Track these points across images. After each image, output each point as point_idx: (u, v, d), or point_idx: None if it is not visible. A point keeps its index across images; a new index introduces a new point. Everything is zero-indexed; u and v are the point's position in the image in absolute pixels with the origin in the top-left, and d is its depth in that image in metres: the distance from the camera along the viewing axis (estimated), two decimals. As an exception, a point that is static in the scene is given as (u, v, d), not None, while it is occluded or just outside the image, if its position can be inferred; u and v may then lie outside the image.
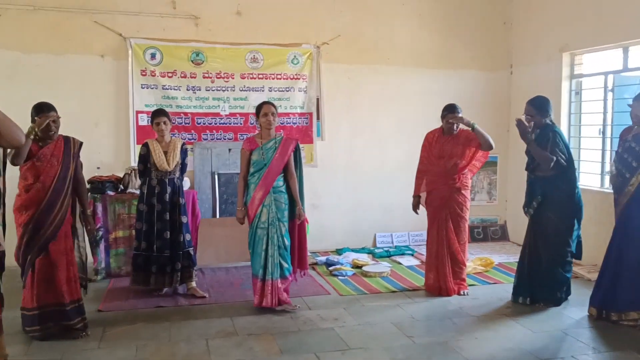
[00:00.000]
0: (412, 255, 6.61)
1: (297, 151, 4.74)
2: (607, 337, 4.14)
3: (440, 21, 7.15)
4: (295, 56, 6.67)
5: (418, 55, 7.11)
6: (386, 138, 7.07)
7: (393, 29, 7.00)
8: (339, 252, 6.70)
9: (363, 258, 6.33)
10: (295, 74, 6.68)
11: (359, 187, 7.02)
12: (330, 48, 6.77)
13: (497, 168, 7.44)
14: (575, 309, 4.70)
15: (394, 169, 6.95)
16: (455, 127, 5.06)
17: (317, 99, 6.79)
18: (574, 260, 4.87)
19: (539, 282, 4.78)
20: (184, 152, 5.05)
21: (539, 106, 4.76)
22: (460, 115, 5.02)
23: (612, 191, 4.58)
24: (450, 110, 5.06)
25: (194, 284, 5.13)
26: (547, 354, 3.85)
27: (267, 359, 3.79)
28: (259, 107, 4.67)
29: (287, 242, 4.66)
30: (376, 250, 6.76)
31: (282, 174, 4.65)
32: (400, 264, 6.26)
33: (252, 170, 4.63)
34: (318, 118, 6.83)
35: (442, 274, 5.10)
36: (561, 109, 6.45)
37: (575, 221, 4.71)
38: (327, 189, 6.85)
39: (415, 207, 5.32)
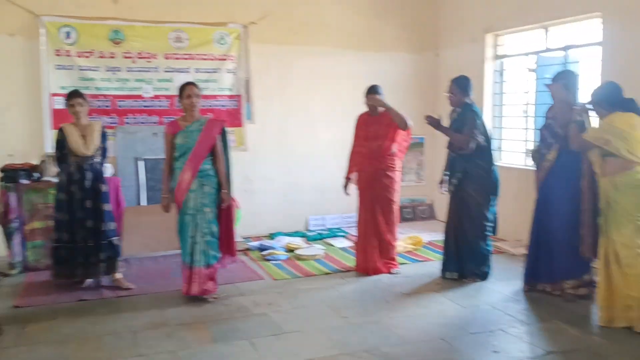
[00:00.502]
0: (345, 237, 6.62)
1: (223, 134, 4.58)
2: (533, 310, 4.29)
3: (369, 2, 7.13)
4: (222, 36, 6.46)
5: (348, 37, 7.06)
6: (318, 120, 7.01)
7: (323, 10, 6.91)
8: (272, 236, 6.61)
9: (296, 242, 6.27)
10: (223, 55, 6.47)
11: (291, 171, 6.93)
12: (258, 28, 6.60)
13: (424, 149, 7.56)
14: (503, 283, 4.85)
15: (327, 151, 6.91)
16: (377, 107, 5.07)
17: (247, 81, 6.62)
18: (493, 235, 5.07)
19: (465, 257, 4.93)
20: (103, 136, 4.78)
21: (462, 85, 4.90)
22: (378, 96, 5.03)
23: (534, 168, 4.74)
24: (369, 92, 5.10)
25: (119, 275, 4.88)
26: (477, 327, 3.95)
27: (199, 348, 3.66)
28: (182, 89, 4.48)
29: (215, 229, 4.50)
30: (309, 234, 6.73)
31: (210, 158, 4.48)
32: (333, 246, 6.26)
33: (176, 154, 4.44)
34: (248, 100, 6.66)
35: (370, 254, 5.15)
36: (484, 90, 6.61)
37: (492, 197, 4.90)
38: (259, 173, 6.72)
39: (345, 187, 5.33)
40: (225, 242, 4.62)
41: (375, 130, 5.10)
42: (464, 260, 4.94)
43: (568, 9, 5.50)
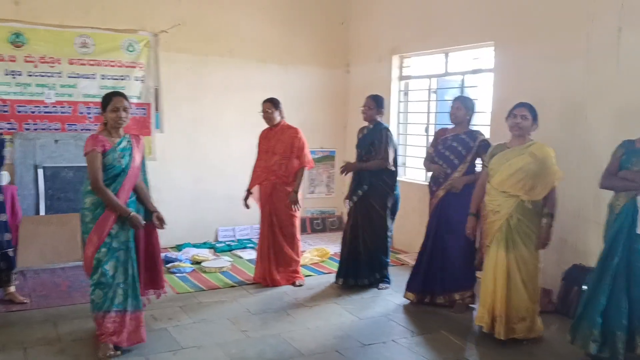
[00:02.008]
0: (254, 248, 6.66)
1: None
2: (422, 320, 4.53)
3: (282, 16, 7.25)
4: (130, 43, 6.35)
5: (261, 49, 7.15)
6: (230, 131, 7.03)
7: (236, 21, 6.96)
8: (179, 248, 6.55)
9: (204, 253, 6.25)
10: (132, 62, 6.36)
11: (201, 181, 6.91)
12: (170, 37, 6.54)
13: (335, 162, 7.76)
14: (399, 294, 5.08)
15: (238, 162, 6.92)
16: (271, 118, 5.22)
17: (156, 89, 6.54)
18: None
19: (361, 266, 5.19)
20: (0, 143, 4.58)
21: (378, 102, 5.18)
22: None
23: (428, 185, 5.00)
24: (264, 102, 5.28)
25: (12, 288, 4.68)
26: (371, 339, 4.13)
27: (92, 365, 3.60)
28: (108, 99, 3.76)
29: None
30: (218, 245, 6.72)
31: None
32: (241, 257, 6.29)
33: (103, 177, 3.68)
34: (157, 109, 6.58)
35: (267, 266, 5.28)
36: (391, 108, 6.90)
37: (394, 212, 5.25)
38: (167, 182, 6.63)
39: (245, 201, 5.44)
40: (149, 274, 4.05)
41: (273, 145, 5.23)
42: (359, 268, 5.20)
43: (465, 37, 5.88)
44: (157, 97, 6.55)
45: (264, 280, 5.28)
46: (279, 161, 5.20)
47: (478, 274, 4.80)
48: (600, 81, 4.57)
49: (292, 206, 5.23)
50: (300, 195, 5.31)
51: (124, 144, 3.81)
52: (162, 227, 4.03)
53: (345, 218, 7.67)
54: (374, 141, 5.10)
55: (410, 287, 4.91)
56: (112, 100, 3.75)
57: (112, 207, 3.64)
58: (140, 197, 3.93)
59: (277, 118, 5.24)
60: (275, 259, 5.28)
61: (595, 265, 3.80)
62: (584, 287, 4.18)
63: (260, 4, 7.10)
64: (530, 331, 4.08)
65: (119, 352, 3.71)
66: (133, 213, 3.72)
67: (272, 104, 5.22)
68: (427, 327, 4.39)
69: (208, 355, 3.79)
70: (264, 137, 5.35)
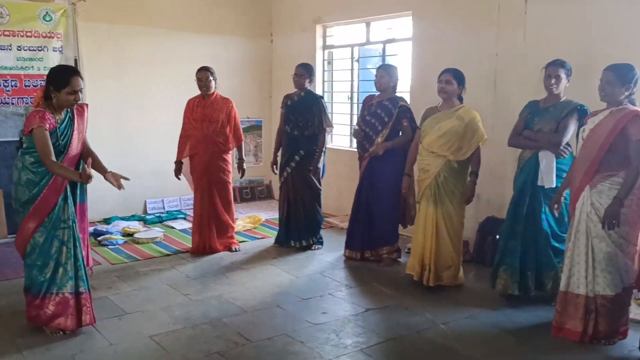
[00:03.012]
0: (185, 218, 6.73)
1: None
2: (356, 275, 4.86)
3: (203, -14, 7.21)
4: (47, 12, 6.09)
5: (184, 18, 7.07)
6: (156, 102, 6.95)
7: (156, -10, 6.85)
8: (107, 221, 6.49)
9: (134, 225, 6.24)
10: (49, 32, 6.11)
11: (127, 154, 6.80)
12: (88, 5, 6.32)
13: (262, 131, 7.89)
14: (331, 253, 5.38)
15: (165, 133, 6.85)
16: (209, 86, 5.25)
17: (75, 60, 6.33)
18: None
19: (299, 228, 5.45)
20: None
21: (310, 70, 5.39)
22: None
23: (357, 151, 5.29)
24: (198, 70, 5.29)
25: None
26: (309, 293, 4.39)
27: (41, 336, 3.61)
28: (65, 79, 3.46)
29: None
30: (147, 217, 6.71)
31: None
32: (173, 228, 6.34)
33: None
34: (78, 81, 6.39)
35: (207, 235, 5.36)
36: (316, 77, 7.09)
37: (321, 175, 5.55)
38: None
39: (177, 173, 5.46)
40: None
41: (210, 114, 5.26)
42: (298, 230, 5.46)
43: (385, 7, 6.15)
44: (78, 69, 6.36)
45: (203, 249, 5.37)
46: (217, 129, 5.26)
47: (402, 230, 5.20)
48: (509, 49, 4.99)
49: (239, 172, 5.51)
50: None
51: (65, 121, 3.61)
52: (121, 186, 3.89)
53: (274, 187, 7.90)
54: (311, 109, 5.31)
55: (347, 244, 5.24)
56: (70, 82, 3.45)
57: (66, 178, 3.52)
58: (95, 165, 3.81)
59: (213, 87, 5.29)
60: (216, 226, 5.38)
61: (506, 215, 4.26)
62: (498, 237, 4.67)
63: (182, -28, 7.02)
64: (455, 279, 4.49)
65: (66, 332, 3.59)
66: (81, 171, 3.51)
67: (209, 72, 5.25)
68: (360, 280, 4.71)
69: (153, 319, 3.90)
70: (197, 106, 5.33)
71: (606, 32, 4.29)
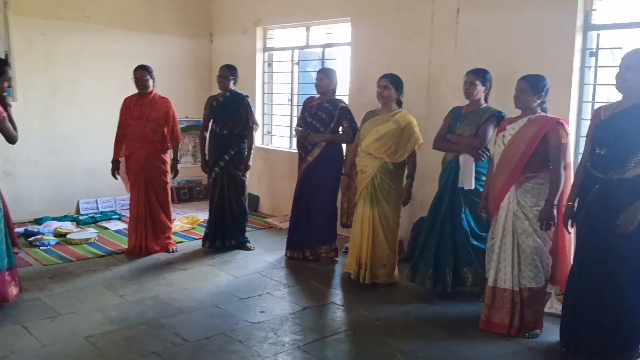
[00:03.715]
0: (120, 219, 6.60)
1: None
2: (294, 274, 4.93)
3: (141, -17, 7.10)
4: (-25, 5, 5.86)
5: (121, 16, 6.95)
6: (89, 100, 6.79)
7: (92, -15, 6.70)
8: (38, 221, 6.28)
9: (67, 226, 6.07)
10: (-24, 25, 5.88)
11: (59, 152, 6.62)
12: (20, 0, 6.13)
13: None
14: (270, 254, 5.44)
15: (98, 132, 6.73)
16: (147, 85, 5.20)
17: (6, 55, 6.10)
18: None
19: (228, 227, 5.47)
20: None
21: (234, 71, 5.43)
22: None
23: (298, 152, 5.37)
24: (137, 68, 5.23)
25: None
26: (247, 293, 4.43)
27: (-38, 339, 3.48)
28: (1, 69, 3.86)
29: None
30: (80, 217, 6.54)
31: None
32: (107, 229, 6.21)
33: None
34: (8, 76, 6.15)
35: (143, 235, 5.30)
36: (256, 79, 7.14)
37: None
38: (22, 154, 6.25)
39: (115, 172, 5.37)
40: None
41: (148, 113, 5.20)
42: (226, 231, 5.48)
43: (324, 12, 6.27)
44: (9, 64, 6.11)
45: (139, 249, 5.30)
46: (154, 128, 5.21)
47: (340, 230, 5.32)
48: (442, 57, 5.21)
49: (170, 173, 5.42)
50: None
51: None
52: None
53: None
54: (239, 108, 5.35)
55: (288, 245, 5.32)
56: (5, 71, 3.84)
57: None
58: None
59: (151, 85, 5.23)
60: (152, 227, 5.32)
61: (427, 213, 4.48)
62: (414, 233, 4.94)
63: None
64: (390, 277, 4.65)
65: None
66: None
67: (147, 71, 5.19)
68: (298, 279, 4.79)
69: (88, 320, 3.83)
70: (134, 104, 5.24)
71: (529, 44, 4.55)
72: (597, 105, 3.91)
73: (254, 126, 5.45)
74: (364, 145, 4.56)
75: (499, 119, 4.13)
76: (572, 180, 3.60)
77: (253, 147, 5.52)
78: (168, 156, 5.43)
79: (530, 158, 3.62)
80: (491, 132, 4.16)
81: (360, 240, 4.57)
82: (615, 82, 3.25)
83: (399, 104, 4.65)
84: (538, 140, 3.59)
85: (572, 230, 3.56)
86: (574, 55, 4.33)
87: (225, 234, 5.51)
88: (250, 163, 5.49)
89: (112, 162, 5.35)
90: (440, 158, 4.59)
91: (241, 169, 5.43)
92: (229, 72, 5.39)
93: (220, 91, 5.48)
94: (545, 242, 3.69)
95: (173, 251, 5.43)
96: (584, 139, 3.65)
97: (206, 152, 5.60)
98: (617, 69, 3.23)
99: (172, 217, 5.68)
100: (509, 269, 3.70)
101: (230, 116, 5.37)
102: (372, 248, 4.53)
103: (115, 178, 5.41)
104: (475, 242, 4.23)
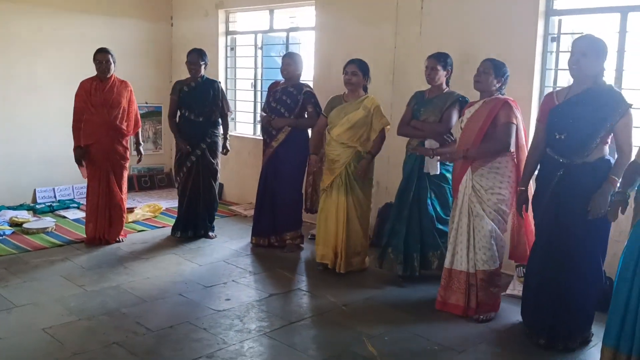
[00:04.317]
0: (78, 208, 6.41)
1: None
2: (260, 261, 4.88)
3: (98, -37, 6.86)
4: None
5: (76, -1, 6.72)
6: (44, 86, 6.54)
7: (45, -35, 6.42)
8: (-8, 211, 6.05)
9: (23, 215, 5.87)
10: None
11: (13, 140, 6.37)
12: (-34, -21, 5.86)
13: (162, 118, 7.66)
14: (235, 241, 5.36)
15: (54, 119, 6.50)
16: (109, 69, 5.01)
17: (-48, 37, 5.83)
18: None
19: (200, 217, 5.35)
20: None
21: (204, 55, 5.24)
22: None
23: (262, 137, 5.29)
24: (98, 51, 5.03)
25: None
26: (212, 281, 4.36)
27: None
28: None
29: None
30: (37, 206, 6.32)
31: None
32: (65, 217, 6.02)
33: None
34: (-45, 60, 5.88)
35: (102, 224, 5.12)
36: (219, 63, 7.00)
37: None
38: (-27, 142, 6.02)
39: (81, 158, 5.07)
40: None
41: (110, 98, 5.02)
42: (198, 220, 5.36)
43: (288, -5, 6.18)
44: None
45: (99, 239, 5.13)
46: (119, 115, 5.03)
47: (305, 217, 5.29)
48: (407, 43, 5.19)
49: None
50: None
51: None
52: None
53: (173, 174, 7.71)
54: (212, 94, 5.20)
55: (253, 231, 5.25)
56: None
57: None
58: None
59: (112, 69, 5.04)
60: (113, 217, 5.15)
61: (394, 200, 4.47)
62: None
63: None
64: (362, 263, 4.66)
65: None
66: None
67: (109, 54, 4.99)
68: (264, 266, 4.74)
69: (46, 311, 3.70)
70: (95, 90, 5.01)
71: (493, 29, 4.58)
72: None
73: (229, 112, 5.35)
74: (335, 134, 4.50)
75: (462, 104, 4.15)
76: (523, 164, 3.64)
77: (228, 133, 5.41)
78: (128, 142, 5.27)
79: (484, 140, 3.65)
80: (455, 116, 4.17)
81: (336, 229, 4.52)
82: (569, 69, 3.27)
83: (365, 89, 4.61)
84: (489, 121, 3.64)
85: (530, 214, 3.60)
86: (536, 41, 4.38)
87: (198, 224, 5.38)
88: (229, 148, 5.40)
89: (76, 149, 5.06)
90: (404, 144, 4.59)
91: (217, 155, 5.31)
92: (199, 57, 5.19)
93: (189, 76, 5.27)
94: (500, 225, 3.72)
95: (122, 241, 5.27)
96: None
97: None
98: (570, 55, 3.24)
99: (132, 206, 5.54)
100: (465, 251, 3.75)
101: (205, 103, 5.19)
102: (346, 236, 4.49)
103: (82, 165, 5.11)
104: (440, 226, 4.26)
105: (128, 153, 5.23)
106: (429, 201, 4.26)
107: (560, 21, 4.43)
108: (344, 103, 4.56)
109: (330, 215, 4.55)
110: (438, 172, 4.20)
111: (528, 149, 3.67)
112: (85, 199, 5.42)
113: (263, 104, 5.41)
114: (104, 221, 5.13)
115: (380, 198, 5.46)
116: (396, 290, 4.26)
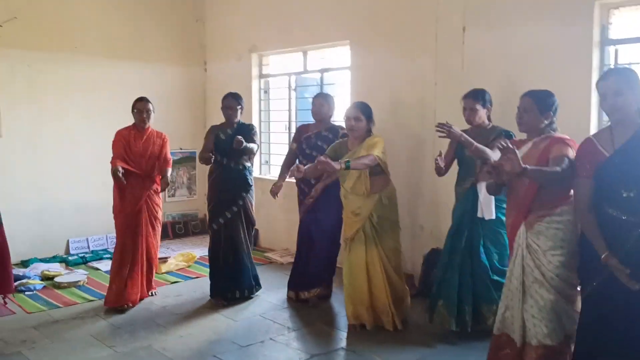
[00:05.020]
0: (111, 258, 6.23)
1: None
2: (299, 315, 4.56)
3: (132, 11, 6.86)
4: (-44, 37, 5.60)
5: (110, 45, 6.69)
6: (77, 133, 6.48)
7: (80, 14, 6.44)
8: (25, 264, 5.91)
9: (55, 268, 5.71)
10: (-43, 58, 5.62)
11: (46, 190, 6.29)
12: (4, 31, 5.87)
13: (196, 163, 7.52)
14: (271, 293, 5.06)
15: (87, 166, 6.43)
16: (149, 118, 4.81)
17: (-11, 89, 5.84)
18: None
19: (233, 276, 4.86)
20: None
21: (240, 99, 4.95)
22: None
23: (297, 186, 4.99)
24: (139, 100, 4.81)
25: None
26: (248, 339, 4.05)
27: None
28: None
29: None
30: (70, 258, 6.17)
31: None
32: (98, 269, 5.85)
33: None
34: (-9, 110, 5.87)
35: (137, 283, 4.75)
36: (252, 107, 6.86)
37: None
38: (6, 193, 5.90)
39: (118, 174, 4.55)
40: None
41: (150, 149, 4.78)
42: (232, 279, 4.86)
43: (322, 36, 6.01)
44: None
45: (127, 301, 4.67)
46: (154, 165, 4.80)
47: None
48: (448, 77, 4.93)
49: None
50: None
51: None
52: None
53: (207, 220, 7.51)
54: (249, 140, 4.77)
55: (289, 284, 4.92)
56: None
57: None
58: None
59: (152, 120, 4.84)
60: (147, 272, 4.88)
61: (444, 247, 4.13)
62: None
63: (105, -2, 6.68)
64: (408, 306, 4.31)
65: None
66: None
67: (150, 103, 4.80)
68: (303, 321, 4.42)
69: (72, 377, 3.47)
70: (134, 139, 4.77)
71: (542, 61, 4.28)
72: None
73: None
74: (349, 186, 4.16)
75: (507, 137, 3.79)
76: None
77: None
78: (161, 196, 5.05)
79: (539, 191, 3.01)
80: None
81: (369, 286, 4.15)
82: (606, 114, 2.80)
83: (369, 132, 4.23)
84: (543, 165, 2.97)
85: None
86: (591, 72, 4.06)
87: (241, 282, 4.86)
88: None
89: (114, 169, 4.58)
90: (450, 185, 4.28)
91: (253, 206, 4.97)
92: (235, 101, 4.87)
93: (224, 121, 4.95)
94: (566, 292, 3.00)
95: (155, 294, 5.02)
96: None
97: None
98: (601, 100, 2.77)
99: (165, 255, 5.30)
100: (518, 318, 3.07)
101: (244, 150, 4.76)
102: (391, 290, 4.14)
103: (120, 179, 4.60)
104: (496, 278, 3.86)
105: (161, 203, 5.02)
106: (482, 249, 3.90)
107: (616, 51, 4.10)
108: (348, 151, 4.19)
109: (359, 273, 4.16)
110: (493, 217, 3.84)
111: (577, 209, 2.89)
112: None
113: (289, 148, 5.09)
114: (140, 278, 4.78)
115: (426, 243, 5.13)
116: (450, 349, 3.87)
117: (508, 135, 3.84)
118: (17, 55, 6.01)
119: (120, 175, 4.55)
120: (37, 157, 6.24)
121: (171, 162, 5.02)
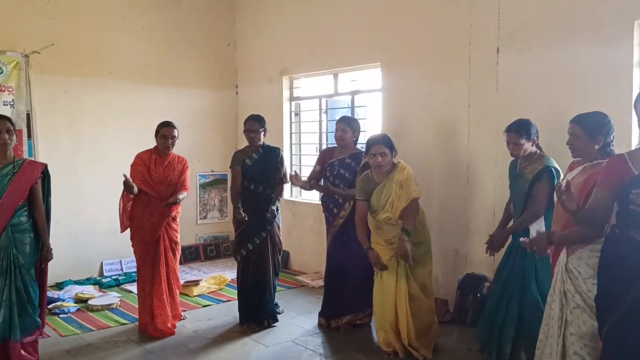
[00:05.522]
0: (142, 282, 6.27)
1: (46, 177, 3.99)
2: (330, 342, 4.48)
3: (165, 37, 6.99)
4: (-3, 65, 5.77)
5: (145, 70, 6.82)
6: (113, 157, 6.56)
7: (116, 41, 6.59)
8: (59, 286, 5.99)
9: (89, 290, 5.77)
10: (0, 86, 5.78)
11: (81, 212, 6.39)
12: (42, 57, 6.02)
13: (227, 186, 7.56)
14: (303, 318, 5.00)
15: (122, 189, 6.47)
16: (174, 144, 4.70)
17: (28, 114, 5.97)
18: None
19: (268, 300, 4.79)
20: None
21: (263, 122, 4.80)
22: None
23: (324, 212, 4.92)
24: (165, 125, 4.69)
25: None
26: (280, 366, 4.00)
27: None
28: None
29: (34, 293, 3.83)
30: (104, 280, 6.23)
31: (25, 208, 3.84)
32: (131, 292, 5.88)
33: None
34: (30, 136, 6.00)
35: (166, 312, 4.65)
36: (283, 129, 6.88)
37: None
38: (43, 215, 6.03)
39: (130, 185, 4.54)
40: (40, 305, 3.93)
41: (169, 175, 4.67)
42: (260, 306, 4.78)
43: (353, 58, 6.01)
44: (30, 123, 5.99)
45: (161, 331, 4.58)
46: (172, 193, 4.64)
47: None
48: (481, 100, 4.86)
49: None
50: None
51: (6, 170, 3.74)
52: (43, 265, 4.02)
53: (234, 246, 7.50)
54: (276, 164, 4.78)
55: (321, 312, 4.82)
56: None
57: None
58: (37, 229, 3.92)
59: (175, 146, 4.75)
60: (172, 299, 4.77)
61: (494, 278, 4.03)
62: (479, 295, 4.45)
63: (141, 24, 6.81)
64: (436, 337, 4.19)
65: None
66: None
67: (175, 129, 4.68)
68: (335, 348, 4.34)
69: (104, 404, 3.46)
70: (155, 165, 4.66)
71: (580, 82, 4.18)
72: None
73: (285, 183, 4.91)
74: (381, 218, 4.08)
75: (549, 175, 3.67)
76: None
77: (278, 199, 4.91)
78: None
79: None
80: (546, 191, 3.65)
81: (395, 315, 4.06)
82: None
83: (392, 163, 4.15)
84: (585, 193, 2.83)
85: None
86: (632, 93, 3.92)
87: (270, 309, 4.81)
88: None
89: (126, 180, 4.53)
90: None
91: (280, 230, 4.89)
92: (258, 124, 4.73)
93: (248, 144, 4.86)
94: None
95: (184, 318, 4.99)
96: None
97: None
98: (637, 118, 2.59)
99: (197, 277, 5.28)
100: (557, 348, 2.91)
101: (271, 173, 4.77)
102: (414, 323, 4.04)
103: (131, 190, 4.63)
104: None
105: (179, 227, 4.89)
106: (533, 283, 3.70)
107: (657, 70, 3.98)
108: (376, 185, 4.11)
109: (389, 302, 4.08)
110: (546, 253, 3.42)
111: (593, 216, 2.70)
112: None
113: (313, 170, 4.95)
114: (167, 310, 4.67)
115: (460, 268, 5.01)
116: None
117: (550, 172, 3.68)
118: (55, 81, 6.17)
119: (132, 184, 4.49)
120: (73, 180, 6.34)
121: (189, 188, 4.82)
